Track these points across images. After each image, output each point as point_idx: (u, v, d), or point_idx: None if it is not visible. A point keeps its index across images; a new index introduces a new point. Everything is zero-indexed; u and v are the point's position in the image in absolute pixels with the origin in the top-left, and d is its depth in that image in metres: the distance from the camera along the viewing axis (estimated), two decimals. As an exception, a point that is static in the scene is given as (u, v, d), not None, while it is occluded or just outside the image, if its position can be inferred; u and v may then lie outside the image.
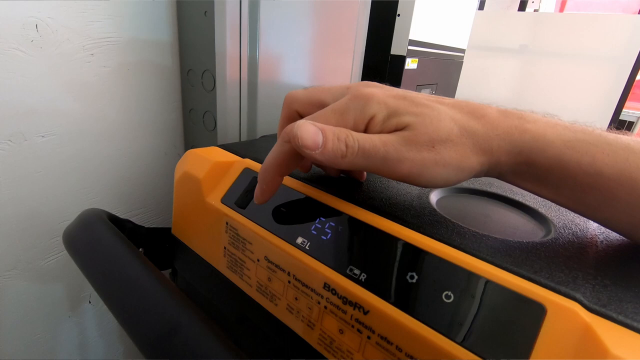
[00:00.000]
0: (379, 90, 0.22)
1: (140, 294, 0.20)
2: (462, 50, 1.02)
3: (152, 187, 0.51)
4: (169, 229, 0.37)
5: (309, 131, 0.20)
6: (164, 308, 0.20)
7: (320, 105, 0.23)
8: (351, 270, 0.21)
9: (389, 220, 0.23)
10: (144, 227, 0.37)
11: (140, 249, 0.36)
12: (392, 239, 0.21)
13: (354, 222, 0.23)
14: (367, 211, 0.24)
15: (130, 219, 0.35)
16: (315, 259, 0.23)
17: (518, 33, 1.55)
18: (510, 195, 0.28)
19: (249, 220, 0.27)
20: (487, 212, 0.26)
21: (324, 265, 0.22)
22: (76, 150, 0.42)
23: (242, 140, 0.49)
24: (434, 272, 0.19)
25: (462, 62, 1.04)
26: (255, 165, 0.30)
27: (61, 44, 0.37)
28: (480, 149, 0.20)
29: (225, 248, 0.29)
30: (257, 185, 0.24)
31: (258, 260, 0.26)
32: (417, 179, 0.21)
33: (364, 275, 0.21)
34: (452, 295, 0.18)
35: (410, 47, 0.76)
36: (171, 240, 0.36)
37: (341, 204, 0.25)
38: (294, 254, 0.24)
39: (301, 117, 0.25)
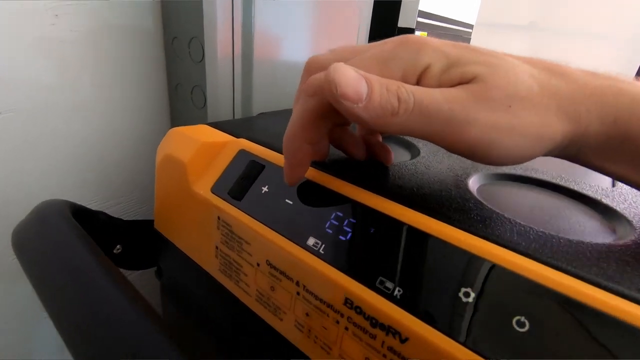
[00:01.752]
0: (431, 39, 0.17)
1: (94, 310, 0.15)
2: (471, 26, 0.96)
3: (135, 172, 0.45)
4: (153, 221, 0.31)
5: (349, 76, 0.15)
6: (122, 328, 0.15)
7: None
8: (382, 282, 0.16)
9: (426, 216, 0.17)
10: (122, 219, 0.31)
11: (118, 246, 0.31)
12: (437, 242, 0.16)
13: (382, 218, 0.18)
14: (395, 203, 0.18)
15: (110, 209, 0.30)
16: (332, 266, 0.18)
17: (528, 9, 1.47)
18: (564, 184, 0.23)
19: (246, 215, 0.22)
20: (543, 205, 0.21)
21: (345, 275, 0.17)
22: (44, 130, 0.36)
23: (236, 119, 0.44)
24: (499, 289, 0.14)
25: (470, 38, 0.98)
26: (252, 147, 0.25)
27: (18, 1, 0.31)
28: (565, 114, 0.15)
29: (217, 247, 0.24)
30: (284, 161, 0.19)
31: (258, 265, 0.21)
32: (486, 150, 0.16)
33: (399, 290, 0.16)
34: (526, 322, 0.13)
35: (419, 19, 0.69)
36: (154, 235, 0.31)
37: (363, 194, 0.19)
38: (304, 259, 0.19)
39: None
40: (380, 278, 0.17)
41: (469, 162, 0.26)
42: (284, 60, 0.46)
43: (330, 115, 0.18)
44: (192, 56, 0.41)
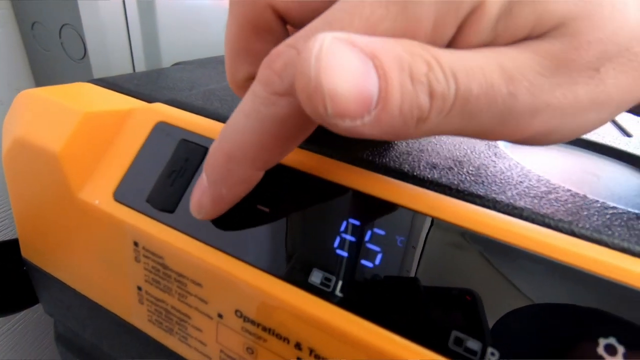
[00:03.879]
0: None
1: None
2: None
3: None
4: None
5: (349, 72, 0.07)
6: None
7: None
8: (468, 349, 0.10)
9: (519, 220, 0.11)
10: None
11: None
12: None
13: (441, 226, 0.11)
14: (445, 197, 0.11)
15: None
16: (361, 317, 0.11)
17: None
18: (614, 145, 0.19)
19: (188, 237, 0.13)
20: (595, 172, 0.16)
21: (387, 332, 0.10)
22: None
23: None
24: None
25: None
26: (177, 116, 0.15)
27: None
28: None
29: (140, 289, 0.15)
30: (208, 184, 0.11)
31: (220, 316, 0.13)
32: (542, 139, 0.10)
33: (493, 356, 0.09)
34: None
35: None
36: (26, 264, 0.20)
37: (385, 184, 0.12)
38: (307, 308, 0.11)
39: (284, 20, 0.11)
40: (456, 334, 0.10)
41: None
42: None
43: (312, 124, 0.10)
44: (50, -24, 0.26)
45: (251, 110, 0.10)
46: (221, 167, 0.10)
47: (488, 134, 0.09)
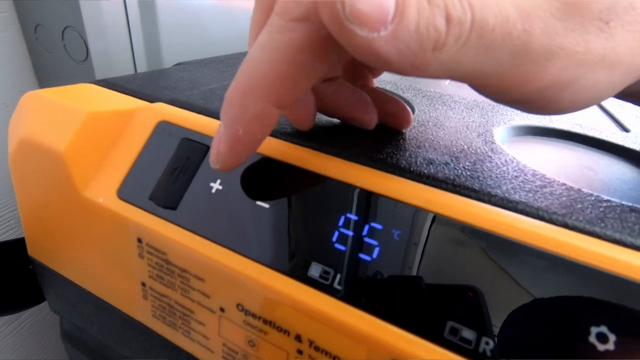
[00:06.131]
0: None
1: None
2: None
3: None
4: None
5: None
6: None
7: None
8: (463, 338, 0.10)
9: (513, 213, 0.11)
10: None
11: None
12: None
13: (442, 221, 0.11)
14: (443, 192, 0.12)
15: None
16: (359, 309, 0.11)
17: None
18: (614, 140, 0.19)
19: (190, 234, 0.13)
20: (592, 166, 0.17)
21: (384, 323, 0.10)
22: None
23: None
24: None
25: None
26: (179, 115, 0.15)
27: None
28: None
29: (144, 285, 0.15)
30: (224, 127, 0.11)
31: (222, 310, 0.13)
32: (558, 95, 0.10)
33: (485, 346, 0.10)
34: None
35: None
36: (32, 262, 0.20)
37: (383, 180, 0.12)
38: (308, 302, 0.11)
39: None
40: (451, 324, 0.10)
41: (475, 112, 0.20)
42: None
43: (328, 55, 0.10)
44: (52, -21, 0.27)
45: (267, 40, 0.10)
46: (236, 104, 0.10)
47: (504, 78, 0.09)
